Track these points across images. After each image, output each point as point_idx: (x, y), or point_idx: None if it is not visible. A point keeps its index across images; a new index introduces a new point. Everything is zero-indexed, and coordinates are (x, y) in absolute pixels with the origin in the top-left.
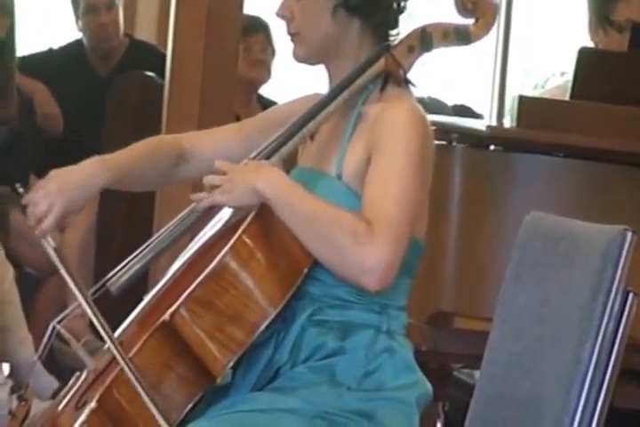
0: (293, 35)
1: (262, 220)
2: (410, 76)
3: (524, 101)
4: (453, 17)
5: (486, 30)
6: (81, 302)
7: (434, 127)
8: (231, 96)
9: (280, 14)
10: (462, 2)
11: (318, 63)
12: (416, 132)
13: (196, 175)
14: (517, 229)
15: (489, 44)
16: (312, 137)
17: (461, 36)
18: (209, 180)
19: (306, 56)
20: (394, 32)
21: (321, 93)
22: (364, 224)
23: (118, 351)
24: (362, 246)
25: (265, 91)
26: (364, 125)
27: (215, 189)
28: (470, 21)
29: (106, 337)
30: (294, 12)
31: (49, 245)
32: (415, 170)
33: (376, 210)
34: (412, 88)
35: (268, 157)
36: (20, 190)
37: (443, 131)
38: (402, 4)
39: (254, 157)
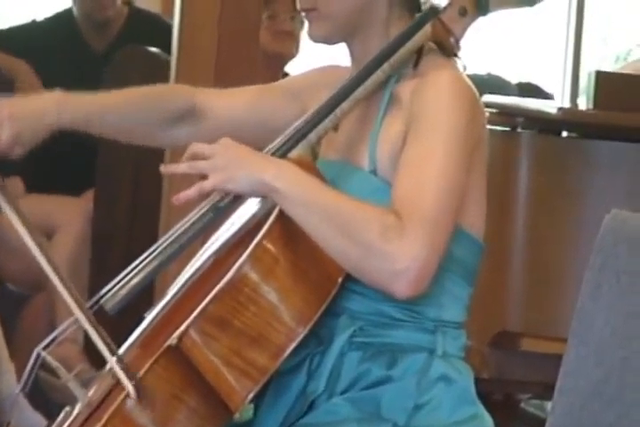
0: (308, 11)
1: (286, 221)
2: (463, 46)
3: (602, 78)
4: None
5: None
6: (77, 314)
7: (495, 110)
8: (252, 74)
9: None
10: None
11: (340, 42)
12: (460, 104)
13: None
14: (597, 230)
15: (560, 8)
16: (335, 127)
17: None
18: (195, 167)
19: (326, 35)
20: None
21: (339, 66)
22: (392, 217)
23: (123, 369)
24: (391, 243)
25: (292, 68)
26: (398, 106)
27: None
28: None
29: (109, 357)
30: None
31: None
32: (460, 148)
33: (408, 199)
34: (462, 62)
35: (285, 153)
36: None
37: (506, 114)
38: None
39: (268, 152)
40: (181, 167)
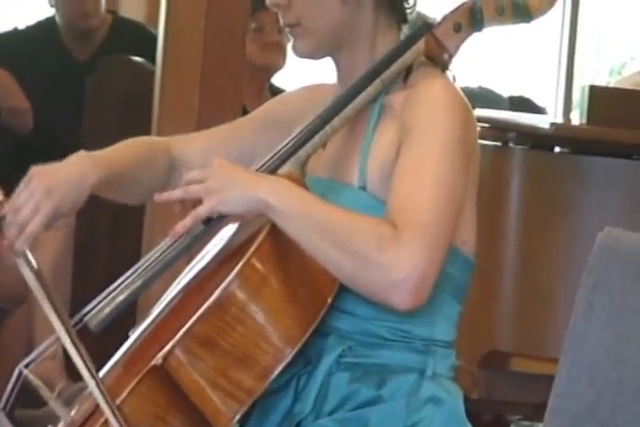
0: (292, 26)
1: (276, 239)
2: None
3: (595, 92)
4: None
5: (550, 4)
6: (62, 336)
7: (486, 124)
8: (238, 85)
9: (274, 3)
10: None
11: (326, 56)
12: (454, 112)
13: None
14: (590, 248)
15: (553, 21)
16: (324, 144)
17: (519, 11)
18: (189, 192)
19: (312, 50)
20: (410, 2)
21: (321, 84)
22: (388, 227)
23: (103, 396)
24: (387, 253)
25: (277, 78)
26: (389, 117)
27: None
28: None
29: (89, 378)
30: None
31: (28, 264)
32: (455, 156)
33: (404, 208)
34: (452, 74)
35: (274, 170)
36: None
37: (497, 129)
38: None
39: (258, 169)
40: (175, 193)
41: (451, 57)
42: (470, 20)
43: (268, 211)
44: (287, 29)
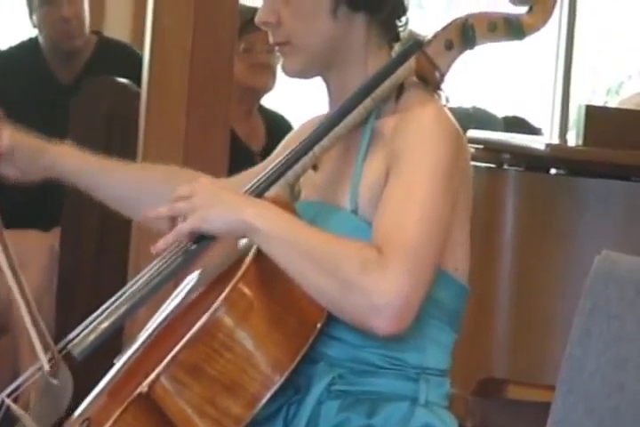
0: (281, 44)
1: (263, 264)
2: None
3: (592, 112)
4: (502, 7)
5: (543, 20)
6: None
7: (480, 146)
8: (226, 108)
9: (263, 21)
10: None
11: (316, 76)
12: (444, 141)
13: None
14: (587, 272)
15: (549, 39)
16: (314, 166)
17: (512, 29)
18: (174, 209)
19: (301, 69)
20: (402, 20)
21: (314, 118)
22: (373, 251)
23: None
24: (371, 277)
25: (267, 100)
26: (380, 143)
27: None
28: (523, 10)
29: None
30: (282, 16)
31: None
32: (443, 186)
33: (390, 233)
34: (445, 95)
35: (262, 192)
36: None
37: (491, 150)
38: None
39: (246, 191)
40: (162, 210)
41: (442, 75)
42: (462, 38)
43: (252, 233)
44: (276, 48)
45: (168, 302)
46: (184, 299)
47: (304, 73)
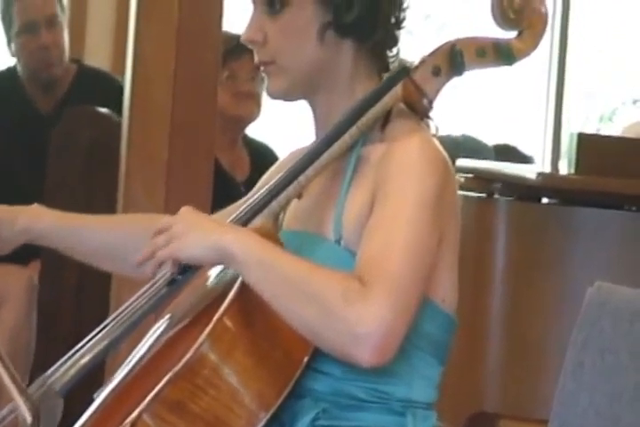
0: (266, 64)
1: (247, 297)
2: (435, 106)
3: (584, 140)
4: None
5: (534, 45)
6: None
7: (470, 175)
8: (210, 137)
9: (249, 39)
10: (502, 10)
11: (300, 98)
12: (431, 172)
13: None
14: (579, 303)
15: (541, 65)
16: (299, 195)
17: (502, 54)
18: (154, 244)
19: (285, 91)
20: (393, 51)
21: (297, 150)
22: (355, 281)
23: None
24: (353, 306)
25: (252, 129)
26: (366, 171)
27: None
28: (512, 35)
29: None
30: (268, 34)
31: None
32: (429, 217)
33: (373, 264)
34: (434, 124)
35: (246, 223)
36: None
37: (482, 179)
38: (400, 15)
39: (230, 222)
40: (145, 251)
41: (430, 102)
42: (450, 64)
43: (230, 260)
44: (261, 68)
45: (150, 334)
46: (166, 332)
47: (288, 95)
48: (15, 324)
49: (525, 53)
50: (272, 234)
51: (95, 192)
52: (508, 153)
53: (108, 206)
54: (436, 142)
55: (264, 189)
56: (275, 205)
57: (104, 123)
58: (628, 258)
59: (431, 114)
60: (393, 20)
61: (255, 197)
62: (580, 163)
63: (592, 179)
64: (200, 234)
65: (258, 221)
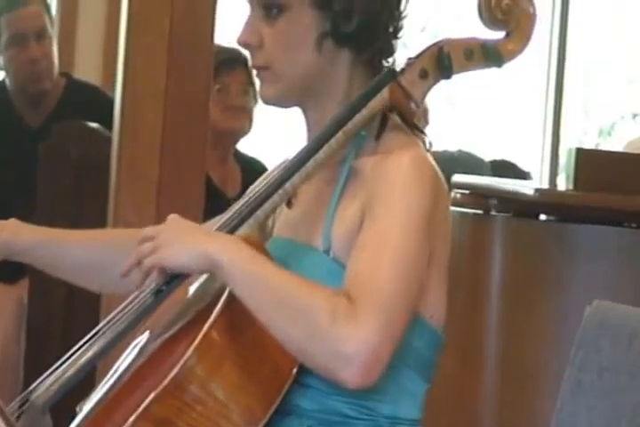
0: (261, 69)
1: (235, 309)
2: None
3: (583, 156)
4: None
5: (521, 46)
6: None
7: (466, 191)
8: (201, 152)
9: (244, 42)
10: (490, 11)
11: (293, 105)
12: (423, 188)
13: None
14: (578, 322)
15: (538, 79)
16: (289, 203)
17: (490, 55)
18: (139, 252)
19: (278, 96)
20: (389, 60)
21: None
22: (343, 299)
23: None
24: (340, 325)
25: (243, 144)
26: (357, 183)
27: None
28: (500, 35)
29: None
30: (265, 38)
31: None
32: (419, 236)
33: (362, 281)
34: (428, 139)
35: (231, 232)
36: None
37: (478, 195)
38: (398, 25)
39: (216, 230)
40: (130, 260)
41: (417, 106)
42: (437, 66)
43: (216, 269)
44: (255, 73)
45: (132, 348)
46: (151, 344)
47: (281, 101)
48: (3, 343)
49: (513, 55)
50: (258, 244)
51: (84, 206)
52: (505, 169)
53: (97, 220)
54: (430, 158)
55: (249, 196)
56: (260, 213)
57: (93, 137)
58: (627, 276)
59: (426, 129)
60: (391, 30)
61: (241, 204)
62: (579, 179)
63: (591, 195)
64: (187, 242)
65: (243, 231)
